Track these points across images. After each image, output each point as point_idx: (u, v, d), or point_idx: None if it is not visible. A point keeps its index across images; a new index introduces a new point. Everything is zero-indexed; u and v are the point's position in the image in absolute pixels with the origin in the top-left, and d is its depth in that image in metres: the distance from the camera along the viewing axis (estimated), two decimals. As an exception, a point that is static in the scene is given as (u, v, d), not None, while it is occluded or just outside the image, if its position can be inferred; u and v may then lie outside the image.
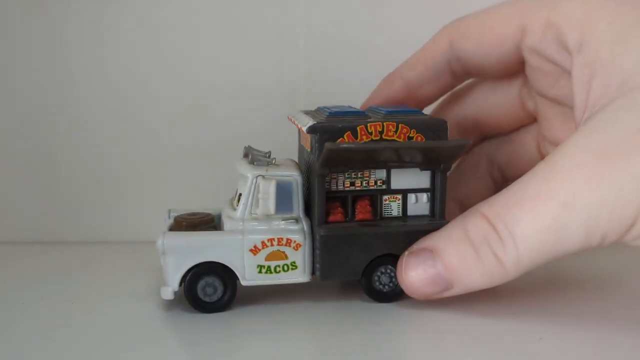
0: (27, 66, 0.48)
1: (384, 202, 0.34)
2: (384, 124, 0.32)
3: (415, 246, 0.32)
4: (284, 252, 0.33)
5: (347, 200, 0.33)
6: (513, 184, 0.29)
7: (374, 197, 0.34)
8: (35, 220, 0.49)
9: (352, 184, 0.33)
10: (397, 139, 0.32)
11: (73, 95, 0.49)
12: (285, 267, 0.33)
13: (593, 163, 0.26)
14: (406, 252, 0.32)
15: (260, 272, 0.33)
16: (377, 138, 0.32)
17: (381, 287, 0.34)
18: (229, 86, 0.48)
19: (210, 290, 0.32)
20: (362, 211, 0.33)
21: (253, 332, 0.30)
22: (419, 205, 0.34)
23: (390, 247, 0.33)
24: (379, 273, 0.33)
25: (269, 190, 0.32)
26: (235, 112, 0.48)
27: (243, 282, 0.33)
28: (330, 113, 0.33)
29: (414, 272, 0.31)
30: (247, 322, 0.31)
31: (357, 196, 0.33)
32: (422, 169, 0.33)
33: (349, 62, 0.48)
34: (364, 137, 0.32)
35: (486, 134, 0.40)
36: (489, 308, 0.33)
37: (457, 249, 0.30)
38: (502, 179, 0.40)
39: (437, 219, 0.33)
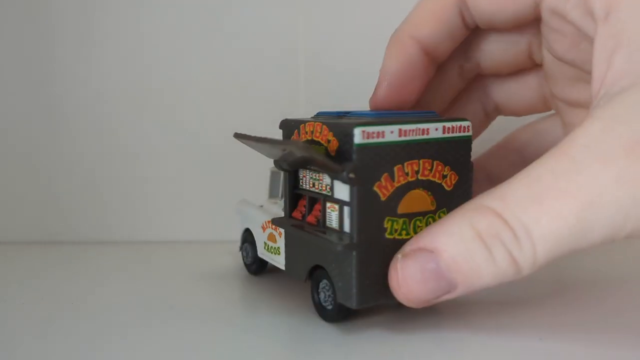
0: (26, 65, 0.48)
1: (327, 209, 0.30)
2: (315, 124, 0.30)
3: (409, 247, 0.27)
4: (274, 236, 0.34)
5: (310, 200, 0.31)
6: (519, 175, 0.26)
7: (323, 202, 0.30)
8: (35, 220, 0.49)
9: (313, 184, 0.31)
10: (318, 139, 0.29)
11: (73, 95, 0.49)
12: (274, 250, 0.34)
13: (622, 160, 0.24)
14: (399, 255, 0.27)
15: (265, 249, 0.36)
16: (309, 138, 0.30)
17: (325, 303, 0.31)
18: (229, 87, 0.48)
19: (244, 254, 0.40)
20: (313, 214, 0.31)
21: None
22: None
23: (319, 260, 0.30)
24: (319, 287, 0.31)
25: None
26: (235, 112, 0.48)
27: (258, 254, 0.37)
28: (317, 113, 0.32)
29: (413, 278, 0.27)
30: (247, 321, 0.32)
31: (315, 198, 0.31)
32: (330, 176, 0.29)
33: (349, 62, 0.48)
34: (303, 135, 0.31)
35: (483, 74, 0.37)
36: (488, 308, 0.33)
37: (463, 248, 0.26)
38: (496, 115, 0.38)
39: (344, 240, 0.28)
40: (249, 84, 0.48)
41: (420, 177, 0.29)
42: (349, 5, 0.48)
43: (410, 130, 0.28)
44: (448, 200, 0.30)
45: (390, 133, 0.28)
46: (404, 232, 0.29)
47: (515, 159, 0.38)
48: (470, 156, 0.30)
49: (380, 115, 0.30)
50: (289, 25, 0.48)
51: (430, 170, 0.29)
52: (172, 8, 0.48)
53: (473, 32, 0.34)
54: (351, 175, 0.27)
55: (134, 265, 0.42)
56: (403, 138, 0.28)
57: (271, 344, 0.29)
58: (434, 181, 0.29)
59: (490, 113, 0.39)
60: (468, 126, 0.30)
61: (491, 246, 0.26)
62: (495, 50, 0.36)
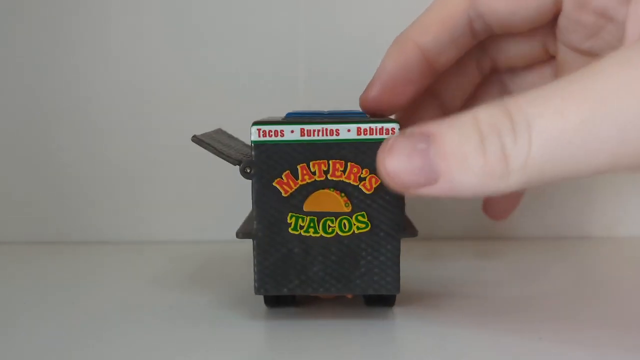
0: (30, 66, 0.48)
1: None
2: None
3: (409, 129, 0.25)
4: None
5: None
6: (551, 83, 0.24)
7: None
8: (36, 221, 0.49)
9: None
10: None
11: (76, 96, 0.49)
12: None
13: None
14: (395, 134, 0.27)
15: None
16: None
17: None
18: (229, 86, 0.48)
19: None
20: None
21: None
22: None
23: None
24: None
25: None
26: (235, 112, 0.48)
27: None
28: (287, 114, 0.32)
29: (398, 155, 0.25)
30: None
31: None
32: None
33: (349, 62, 0.48)
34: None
35: (499, 68, 0.36)
36: (488, 307, 0.33)
37: (458, 134, 0.24)
38: (491, 72, 0.36)
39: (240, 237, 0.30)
40: (248, 84, 0.48)
41: (330, 178, 0.29)
42: (349, 6, 0.48)
43: (314, 131, 0.29)
44: (368, 204, 0.29)
45: (291, 132, 0.29)
46: (311, 230, 0.30)
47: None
48: None
49: (343, 114, 0.31)
50: (289, 26, 0.48)
51: (344, 171, 0.29)
52: (172, 8, 0.48)
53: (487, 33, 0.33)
54: (247, 170, 0.30)
55: (134, 265, 0.42)
56: (306, 138, 0.29)
57: (271, 344, 0.29)
58: (349, 183, 0.29)
59: (485, 69, 0.37)
60: (393, 128, 0.29)
61: (486, 135, 0.24)
62: (509, 49, 0.35)
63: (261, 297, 0.34)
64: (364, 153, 0.29)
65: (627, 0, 0.27)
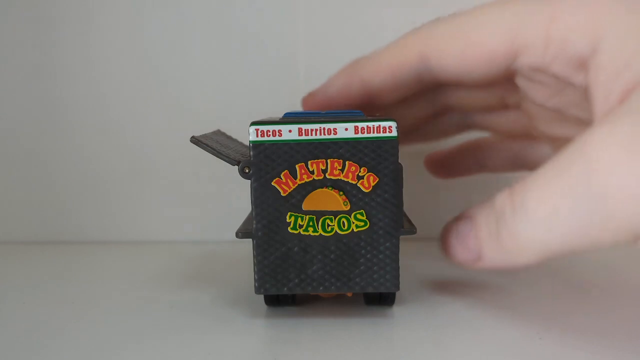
0: (27, 66, 0.48)
1: None
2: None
3: (462, 212, 0.30)
4: None
5: None
6: (548, 163, 0.27)
7: None
8: (35, 220, 0.49)
9: None
10: None
11: (72, 95, 0.49)
12: None
13: (620, 153, 0.24)
14: (454, 217, 0.31)
15: None
16: None
17: None
18: (229, 86, 0.48)
19: None
20: None
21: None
22: None
23: None
24: None
25: None
26: (235, 112, 0.48)
27: None
28: (285, 114, 0.33)
29: (452, 237, 0.30)
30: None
31: None
32: None
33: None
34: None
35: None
36: (488, 307, 0.33)
37: (485, 220, 0.28)
38: (444, 108, 0.38)
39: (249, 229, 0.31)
40: (248, 85, 0.48)
41: (328, 176, 0.30)
42: (349, 6, 0.48)
43: (312, 130, 0.29)
44: (366, 202, 0.30)
45: (289, 132, 0.29)
46: (310, 229, 0.30)
47: (507, 157, 0.39)
48: (395, 157, 0.30)
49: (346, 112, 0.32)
50: (289, 26, 0.48)
51: (342, 170, 0.30)
52: (170, 8, 0.48)
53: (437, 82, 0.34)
54: (246, 169, 0.30)
55: (134, 265, 0.42)
56: (304, 137, 0.29)
57: (271, 342, 0.29)
58: (347, 181, 0.30)
59: (465, 128, 0.39)
60: (390, 127, 0.29)
61: (499, 222, 0.27)
62: (462, 97, 0.36)
63: (262, 297, 0.34)
64: (362, 151, 0.29)
65: (582, 66, 0.28)
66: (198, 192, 0.49)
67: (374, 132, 0.29)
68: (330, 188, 0.30)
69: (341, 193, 0.30)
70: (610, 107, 0.26)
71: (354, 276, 0.30)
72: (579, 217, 0.25)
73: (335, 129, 0.29)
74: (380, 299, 0.32)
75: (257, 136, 0.30)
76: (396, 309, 0.33)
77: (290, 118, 0.31)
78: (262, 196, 0.30)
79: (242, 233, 0.31)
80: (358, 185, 0.30)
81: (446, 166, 0.42)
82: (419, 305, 0.33)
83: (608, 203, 0.24)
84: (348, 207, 0.30)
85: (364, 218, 0.30)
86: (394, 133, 0.29)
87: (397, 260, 0.30)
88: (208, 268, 0.41)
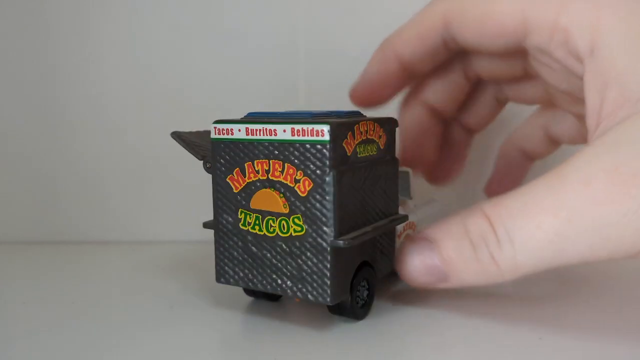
0: (27, 67, 0.48)
1: None
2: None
3: (417, 235, 0.32)
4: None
5: None
6: (521, 188, 0.28)
7: None
8: (35, 220, 0.49)
9: None
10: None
11: (72, 95, 0.49)
12: None
13: (603, 182, 0.25)
14: (407, 240, 0.32)
15: None
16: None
17: None
18: (229, 87, 0.48)
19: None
20: None
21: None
22: None
23: None
24: None
25: None
26: (235, 112, 0.48)
27: None
28: (248, 113, 0.32)
29: (412, 260, 0.31)
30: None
31: None
32: None
33: (349, 62, 0.48)
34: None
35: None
36: (489, 307, 0.33)
37: (455, 244, 0.29)
38: (508, 101, 0.39)
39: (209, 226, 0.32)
40: (248, 84, 0.48)
41: (271, 177, 0.29)
42: (348, 6, 0.48)
43: (257, 130, 0.29)
44: (302, 206, 0.28)
45: (239, 131, 0.30)
46: (257, 227, 0.30)
47: (543, 136, 0.40)
48: (326, 163, 0.28)
49: (302, 114, 0.31)
50: (289, 25, 0.48)
51: (282, 172, 0.29)
52: (172, 8, 0.48)
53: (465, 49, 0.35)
54: (207, 165, 0.31)
55: (134, 265, 0.42)
56: (251, 137, 0.29)
57: (271, 343, 0.29)
58: (286, 184, 0.29)
59: (503, 101, 0.40)
60: (322, 130, 0.27)
61: (476, 244, 0.29)
62: (490, 67, 0.37)
63: (261, 299, 0.34)
64: (297, 154, 0.28)
65: (581, 60, 0.29)
66: (198, 192, 0.49)
67: (307, 135, 0.28)
68: (272, 189, 0.29)
69: (282, 195, 0.29)
70: (600, 118, 0.28)
71: (289, 280, 0.29)
72: (573, 242, 0.26)
73: (275, 130, 0.29)
74: (342, 310, 0.31)
75: (215, 134, 0.30)
76: (396, 308, 0.33)
77: (247, 118, 0.31)
78: (220, 191, 0.31)
79: (206, 224, 0.32)
80: (295, 188, 0.29)
81: (504, 181, 0.43)
82: (418, 305, 0.33)
83: (606, 230, 0.25)
84: (287, 210, 0.29)
85: (301, 223, 0.29)
86: (326, 137, 0.27)
87: (328, 271, 0.28)
88: (207, 268, 0.41)
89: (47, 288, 0.37)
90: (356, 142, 0.29)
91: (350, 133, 0.29)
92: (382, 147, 0.31)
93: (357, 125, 0.29)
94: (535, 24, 0.30)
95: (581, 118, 0.35)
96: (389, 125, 0.32)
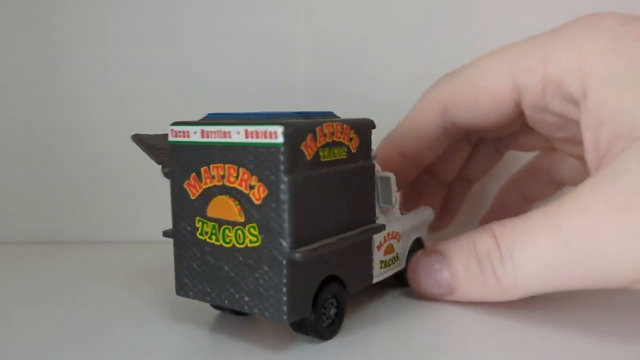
0: (27, 67, 0.48)
1: None
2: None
3: (430, 247, 0.34)
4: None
5: None
6: (528, 213, 0.29)
7: None
8: (35, 220, 0.49)
9: None
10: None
11: (73, 96, 0.49)
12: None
13: (598, 213, 0.26)
14: (420, 251, 0.34)
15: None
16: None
17: None
18: (229, 87, 0.48)
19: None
20: None
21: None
22: None
23: None
24: None
25: None
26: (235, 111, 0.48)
27: None
28: (208, 114, 0.30)
29: (423, 271, 0.33)
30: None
31: None
32: None
33: (349, 63, 0.48)
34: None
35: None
36: (489, 307, 0.33)
37: (463, 259, 0.31)
38: (508, 150, 0.41)
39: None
40: (248, 85, 0.48)
41: (226, 183, 0.27)
42: (348, 8, 0.48)
43: (212, 132, 0.27)
44: (258, 215, 0.26)
45: (194, 133, 0.27)
46: (214, 237, 0.27)
47: (545, 178, 0.41)
48: (281, 168, 0.25)
49: (267, 115, 0.28)
50: (289, 24, 0.48)
51: (237, 177, 0.26)
52: (172, 10, 0.48)
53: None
54: (165, 169, 0.29)
55: (134, 265, 0.42)
56: (206, 139, 0.27)
57: (271, 344, 0.29)
58: (241, 190, 0.26)
59: (503, 151, 0.42)
60: (275, 132, 0.25)
61: (482, 260, 0.30)
62: (493, 132, 0.38)
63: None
64: (251, 158, 0.26)
65: (577, 105, 0.30)
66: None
67: (260, 137, 0.25)
68: (228, 196, 0.27)
69: (237, 202, 0.26)
70: (599, 155, 0.29)
71: (247, 295, 0.27)
72: (570, 268, 0.27)
73: (230, 132, 0.26)
74: (305, 327, 0.28)
75: (172, 136, 0.28)
76: (396, 307, 0.33)
77: (206, 119, 0.29)
78: (177, 198, 0.28)
79: (165, 233, 0.29)
80: (250, 195, 0.26)
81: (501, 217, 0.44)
82: (418, 304, 0.33)
83: (601, 258, 0.26)
84: (243, 219, 0.26)
85: (257, 233, 0.26)
86: (280, 139, 0.25)
87: (283, 286, 0.25)
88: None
89: (47, 288, 0.37)
90: (319, 145, 0.27)
91: (310, 135, 0.26)
92: (353, 151, 0.29)
93: (319, 126, 0.26)
94: (526, 83, 0.31)
95: (582, 159, 0.36)
96: (363, 127, 0.29)
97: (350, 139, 0.29)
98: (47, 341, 0.29)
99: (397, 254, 0.34)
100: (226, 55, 0.48)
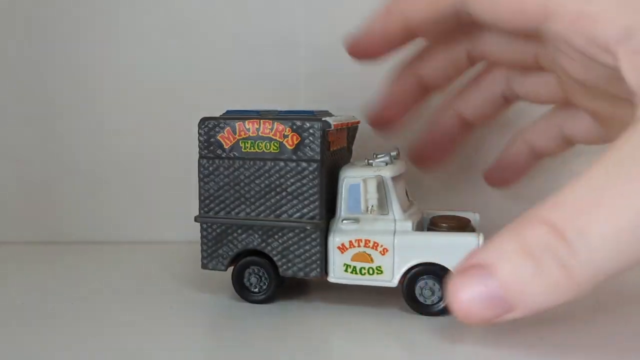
0: (28, 66, 0.48)
1: None
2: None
3: (465, 263, 0.27)
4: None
5: None
6: (573, 184, 0.25)
7: None
8: (35, 220, 0.49)
9: None
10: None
11: (75, 96, 0.49)
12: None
13: None
14: (455, 271, 0.27)
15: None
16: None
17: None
18: (229, 86, 0.48)
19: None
20: None
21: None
22: None
23: None
24: None
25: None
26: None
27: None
28: (227, 111, 0.36)
29: (464, 294, 0.26)
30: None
31: None
32: None
33: (349, 62, 0.48)
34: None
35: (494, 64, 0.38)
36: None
37: (512, 264, 0.25)
38: (516, 100, 0.39)
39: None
40: (248, 84, 0.48)
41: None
42: (349, 5, 0.48)
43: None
44: None
45: None
46: None
47: (556, 135, 0.39)
48: (200, 151, 0.34)
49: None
50: (289, 24, 0.48)
51: None
52: (172, 8, 0.48)
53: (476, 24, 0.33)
54: None
55: (133, 266, 0.42)
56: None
57: (271, 344, 0.29)
58: None
59: (511, 99, 0.39)
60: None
61: (539, 258, 0.25)
62: (499, 49, 0.36)
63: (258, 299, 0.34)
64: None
65: (608, 49, 0.27)
66: (197, 192, 0.49)
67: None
68: None
69: None
70: None
71: None
72: (635, 226, 0.23)
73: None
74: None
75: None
76: (396, 306, 0.33)
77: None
78: None
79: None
80: None
81: (506, 171, 0.42)
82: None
83: None
84: None
85: None
86: (199, 130, 0.34)
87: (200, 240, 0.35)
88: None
89: (47, 288, 0.37)
90: (237, 138, 0.33)
91: (228, 129, 0.33)
92: (289, 147, 0.32)
93: (240, 122, 0.33)
94: (556, 9, 0.28)
95: (597, 115, 0.34)
96: (314, 127, 0.32)
97: (285, 137, 0.33)
98: (47, 341, 0.29)
99: (379, 266, 0.32)
100: (226, 55, 0.48)
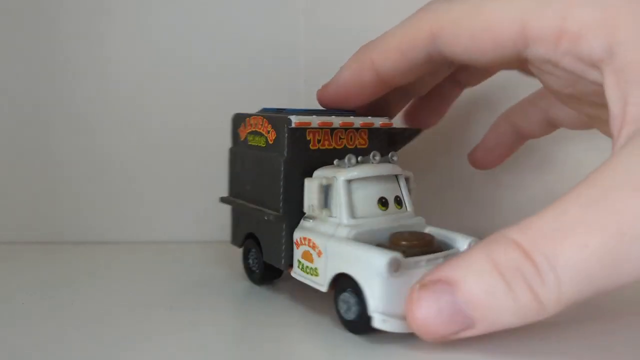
0: (27, 66, 0.48)
1: None
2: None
3: (428, 277, 0.26)
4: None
5: None
6: (549, 208, 0.25)
7: None
8: (35, 220, 0.49)
9: None
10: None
11: (73, 95, 0.49)
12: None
13: None
14: (417, 285, 0.26)
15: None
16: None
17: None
18: (229, 85, 0.48)
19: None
20: None
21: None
22: None
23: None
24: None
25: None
26: (236, 111, 0.48)
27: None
28: (263, 108, 0.37)
29: (427, 309, 0.26)
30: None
31: None
32: None
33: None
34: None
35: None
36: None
37: (482, 282, 0.25)
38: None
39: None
40: (249, 83, 0.48)
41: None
42: (349, 1, 0.48)
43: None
44: None
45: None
46: None
47: (540, 117, 0.39)
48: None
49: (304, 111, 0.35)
50: (289, 24, 0.48)
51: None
52: (172, 6, 0.48)
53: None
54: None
55: (133, 266, 0.42)
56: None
57: (270, 345, 0.29)
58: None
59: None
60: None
61: (510, 280, 0.24)
62: (478, 77, 0.37)
63: (263, 293, 0.34)
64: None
65: (595, 65, 0.27)
66: (198, 193, 0.49)
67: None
68: None
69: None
70: (627, 118, 0.26)
71: None
72: (627, 257, 0.23)
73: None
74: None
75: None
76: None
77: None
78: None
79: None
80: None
81: (491, 152, 0.43)
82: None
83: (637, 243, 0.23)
84: None
85: None
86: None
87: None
88: (208, 268, 0.41)
89: (47, 288, 0.37)
90: (247, 131, 0.36)
91: (243, 123, 0.37)
92: (270, 142, 0.34)
93: (248, 118, 0.36)
94: (536, 34, 0.28)
95: (582, 115, 0.34)
96: (279, 123, 0.33)
97: (268, 132, 0.34)
98: (46, 341, 0.29)
99: (316, 268, 0.31)
100: (226, 53, 0.48)
